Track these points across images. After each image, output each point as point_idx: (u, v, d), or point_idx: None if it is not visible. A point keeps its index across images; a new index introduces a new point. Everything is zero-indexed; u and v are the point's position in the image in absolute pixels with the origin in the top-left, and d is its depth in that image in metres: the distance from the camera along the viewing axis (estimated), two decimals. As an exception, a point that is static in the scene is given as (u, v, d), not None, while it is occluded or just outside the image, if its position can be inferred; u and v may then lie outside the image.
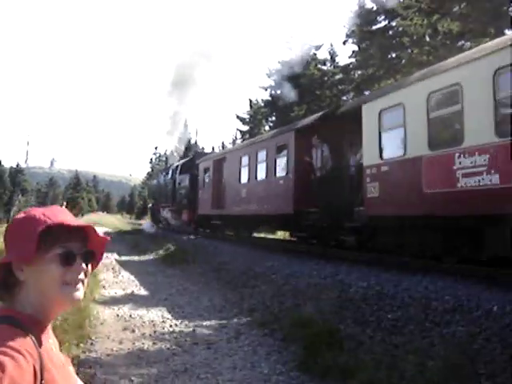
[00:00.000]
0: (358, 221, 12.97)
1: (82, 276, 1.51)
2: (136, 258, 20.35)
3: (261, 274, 12.42)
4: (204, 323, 9.11)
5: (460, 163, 9.42)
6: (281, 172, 17.34)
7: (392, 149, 11.83)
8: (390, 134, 11.94)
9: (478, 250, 9.35)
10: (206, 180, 26.19)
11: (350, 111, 14.16)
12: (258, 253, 16.14)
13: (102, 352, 7.23)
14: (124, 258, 19.89)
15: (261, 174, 18.97)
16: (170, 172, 34.55)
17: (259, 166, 19.15)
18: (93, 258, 1.58)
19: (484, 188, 8.82)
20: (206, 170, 26.48)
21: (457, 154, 9.52)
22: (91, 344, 7.58)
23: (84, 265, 1.53)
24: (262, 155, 18.96)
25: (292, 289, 10.34)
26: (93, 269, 1.60)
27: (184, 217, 29.98)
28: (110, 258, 18.94)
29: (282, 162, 17.35)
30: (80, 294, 1.50)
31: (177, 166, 33.63)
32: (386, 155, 11.97)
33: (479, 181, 8.93)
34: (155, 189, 41.47)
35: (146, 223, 43.96)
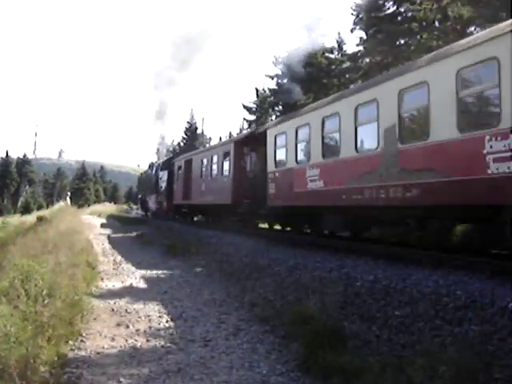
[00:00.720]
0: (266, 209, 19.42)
1: None
2: (137, 247, 20.04)
3: (264, 266, 12.01)
4: (203, 318, 8.70)
5: (309, 174, 15.65)
6: (225, 172, 23.69)
7: (280, 161, 18.18)
8: (280, 151, 18.16)
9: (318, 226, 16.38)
10: (179, 176, 32.60)
11: (262, 132, 20.18)
12: (262, 244, 15.73)
13: (92, 350, 6.83)
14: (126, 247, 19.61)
15: (213, 173, 25.75)
16: (154, 168, 41.10)
17: (213, 167, 25.79)
18: None
19: (317, 189, 15.14)
20: (179, 168, 32.90)
21: (307, 168, 15.82)
22: (81, 341, 7.18)
23: None
24: (215, 159, 25.53)
25: (295, 282, 9.91)
26: None
27: (164, 206, 36.40)
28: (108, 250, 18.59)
29: (226, 165, 23.71)
30: None
31: (159, 164, 40.47)
32: (277, 165, 18.34)
33: (316, 185, 15.20)
34: (143, 182, 48.23)
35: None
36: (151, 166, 44.72)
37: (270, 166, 18.61)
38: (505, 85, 8.69)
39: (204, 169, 27.45)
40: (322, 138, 15.08)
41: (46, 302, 7.40)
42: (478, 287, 7.19)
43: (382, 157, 12.03)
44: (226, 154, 23.54)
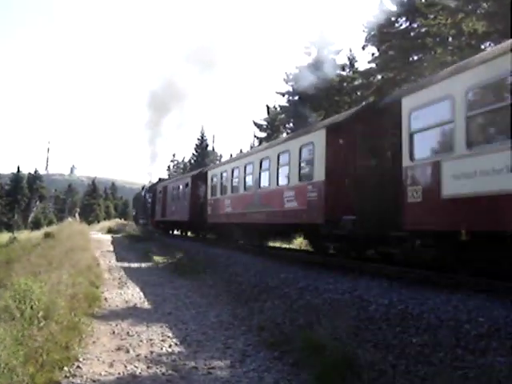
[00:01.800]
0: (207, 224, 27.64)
1: None
2: (144, 265, 19.64)
3: (273, 288, 11.56)
4: (208, 343, 8.27)
5: (226, 202, 23.70)
6: (186, 197, 31.41)
7: (213, 192, 26.33)
8: (214, 186, 26.35)
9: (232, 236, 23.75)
10: (159, 198, 40.52)
11: (201, 172, 29.66)
12: (272, 264, 15.28)
13: (87, 377, 6.41)
14: (132, 264, 19.23)
15: (180, 198, 33.44)
16: (144, 191, 50.57)
17: (180, 193, 33.56)
18: None
19: (230, 212, 22.75)
20: (160, 192, 40.69)
21: (225, 199, 23.81)
22: (77, 367, 6.75)
23: None
24: (180, 187, 33.54)
25: (306, 305, 9.46)
26: None
27: (151, 221, 44.53)
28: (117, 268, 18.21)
29: (186, 192, 31.54)
30: None
31: (147, 188, 49.84)
32: (212, 195, 26.51)
33: (229, 210, 23.00)
34: (136, 202, 58.92)
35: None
36: (143, 188, 53.43)
37: (208, 195, 26.95)
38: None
39: (174, 194, 35.47)
40: (232, 181, 23.42)
41: (41, 324, 7.02)
42: (501, 313, 6.71)
43: (254, 195, 19.97)
44: (187, 185, 31.73)
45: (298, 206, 15.81)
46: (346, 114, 16.35)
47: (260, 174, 19.43)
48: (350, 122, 14.53)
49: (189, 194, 30.66)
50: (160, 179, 49.47)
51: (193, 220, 29.64)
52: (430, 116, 10.57)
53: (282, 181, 17.37)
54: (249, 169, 20.82)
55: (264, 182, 18.99)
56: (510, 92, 8.51)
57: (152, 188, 46.10)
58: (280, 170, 17.68)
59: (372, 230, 12.35)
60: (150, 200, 45.48)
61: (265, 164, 19.06)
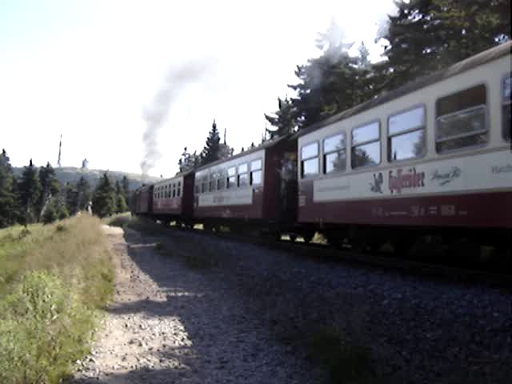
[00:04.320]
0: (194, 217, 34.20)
1: None
2: (156, 258, 19.67)
3: (285, 281, 11.53)
4: (220, 337, 8.25)
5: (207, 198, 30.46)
6: (177, 194, 37.91)
7: (198, 189, 33.21)
8: (198, 184, 33.47)
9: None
10: (144, 196, 55.53)
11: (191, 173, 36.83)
12: (284, 257, 15.27)
13: (100, 370, 6.39)
14: (144, 258, 19.27)
15: (173, 194, 39.78)
16: (138, 191, 64.69)
17: (171, 191, 40.65)
18: None
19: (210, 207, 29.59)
20: (148, 191, 53.17)
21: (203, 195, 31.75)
22: (90, 360, 6.74)
23: None
24: (172, 186, 40.62)
25: (318, 298, 9.42)
26: None
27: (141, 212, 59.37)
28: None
29: (178, 190, 37.64)
30: None
31: (140, 189, 64.22)
32: (197, 191, 33.27)
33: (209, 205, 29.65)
34: (132, 199, 77.10)
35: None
36: (137, 189, 69.85)
37: (194, 192, 33.53)
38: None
39: (163, 192, 44.64)
40: (209, 182, 30.00)
41: (54, 317, 7.01)
42: (517, 308, 6.64)
43: (222, 195, 26.87)
44: (179, 184, 37.77)
45: (249, 203, 22.11)
46: (276, 140, 25.02)
47: (228, 178, 26.08)
48: (278, 147, 20.51)
49: (180, 193, 36.78)
50: (138, 187, 67.65)
51: (184, 212, 35.31)
52: (310, 151, 16.59)
53: (242, 184, 23.64)
54: (220, 173, 27.76)
55: (229, 184, 25.96)
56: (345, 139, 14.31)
57: (145, 189, 57.37)
58: (238, 178, 24.25)
59: (288, 222, 18.26)
60: (143, 197, 57.82)
61: (230, 171, 25.84)
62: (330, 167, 15.25)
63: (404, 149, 11.74)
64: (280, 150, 19.81)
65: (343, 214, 14.03)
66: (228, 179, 25.98)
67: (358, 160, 13.61)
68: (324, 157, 15.41)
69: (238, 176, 24.12)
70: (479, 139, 9.23)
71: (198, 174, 33.61)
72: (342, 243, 15.73)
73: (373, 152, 12.78)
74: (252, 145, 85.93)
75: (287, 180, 18.59)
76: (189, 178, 35.53)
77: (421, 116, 10.79)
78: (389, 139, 12.01)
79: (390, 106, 12.14)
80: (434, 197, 10.14)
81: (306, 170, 16.81)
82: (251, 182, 22.08)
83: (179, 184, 37.48)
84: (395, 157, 11.92)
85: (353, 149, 13.70)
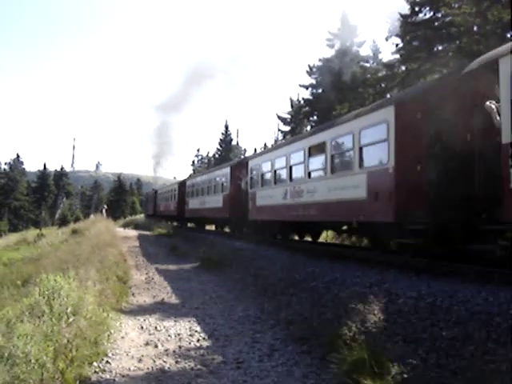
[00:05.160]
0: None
1: None
2: (170, 259, 19.71)
3: (300, 281, 11.51)
4: (236, 337, 8.28)
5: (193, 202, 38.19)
6: (174, 199, 44.58)
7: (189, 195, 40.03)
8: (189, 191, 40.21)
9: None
10: (151, 200, 62.14)
11: (183, 181, 44.86)
12: (297, 257, 15.21)
13: (117, 372, 6.45)
14: (158, 259, 19.32)
15: (170, 199, 47.05)
16: (148, 194, 69.85)
17: (169, 196, 47.47)
18: None
19: (197, 209, 36.69)
20: (154, 195, 59.43)
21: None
22: (106, 362, 6.81)
23: None
24: (170, 191, 47.56)
25: (333, 298, 9.40)
26: None
27: (150, 213, 61.85)
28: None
29: (174, 195, 44.34)
30: None
31: (149, 192, 70.38)
32: (188, 195, 40.11)
33: (195, 207, 37.25)
34: (144, 201, 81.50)
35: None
36: (146, 193, 79.20)
37: (186, 197, 39.79)
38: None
39: (166, 196, 50.31)
40: (195, 188, 37.40)
41: (70, 320, 7.06)
42: (533, 306, 6.59)
43: (204, 199, 33.58)
44: (174, 190, 45.05)
45: (220, 206, 28.91)
46: (239, 160, 34.18)
47: (208, 186, 32.74)
48: (240, 165, 26.67)
49: (176, 198, 43.57)
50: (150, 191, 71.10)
51: (179, 213, 41.81)
52: (255, 171, 22.84)
53: (216, 192, 30.57)
54: (204, 182, 34.40)
55: (208, 192, 32.55)
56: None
57: (152, 192, 64.01)
58: (214, 187, 31.38)
59: (247, 221, 23.64)
60: (149, 200, 64.61)
61: (208, 181, 33.05)
62: (264, 183, 21.56)
63: (296, 174, 17.90)
64: (241, 168, 25.90)
65: (271, 214, 20.32)
66: (208, 187, 32.82)
67: (278, 179, 19.94)
68: (262, 175, 21.91)
69: (214, 185, 31.15)
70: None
71: (188, 183, 40.78)
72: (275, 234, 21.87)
73: (284, 175, 19.18)
74: (265, 145, 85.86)
75: (245, 190, 24.23)
76: (182, 186, 42.24)
77: (301, 155, 17.28)
78: (290, 167, 18.41)
79: (290, 147, 18.83)
80: (308, 203, 16.34)
81: (253, 184, 23.05)
82: (222, 190, 28.99)
83: (175, 190, 44.76)
84: (292, 179, 18.25)
85: (275, 171, 20.18)
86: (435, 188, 11.09)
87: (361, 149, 13.36)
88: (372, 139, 12.87)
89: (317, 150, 16.16)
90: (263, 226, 22.27)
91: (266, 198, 20.85)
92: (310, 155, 16.62)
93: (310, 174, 16.55)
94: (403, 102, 12.29)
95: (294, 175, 18.16)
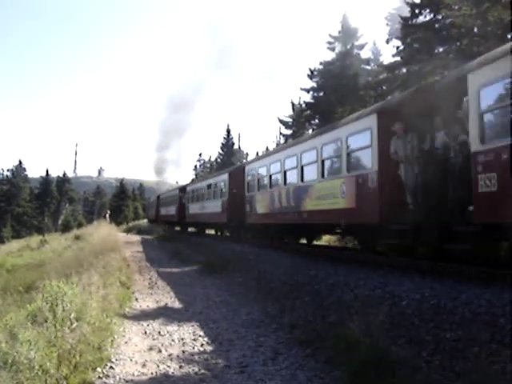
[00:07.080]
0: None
1: None
2: (173, 264, 19.71)
3: (303, 284, 11.50)
4: (239, 341, 8.26)
5: (193, 207, 39.89)
6: (174, 204, 45.71)
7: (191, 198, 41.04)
8: (189, 199, 41.15)
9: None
10: (153, 205, 64.05)
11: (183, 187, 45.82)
12: (301, 260, 15.20)
13: (120, 377, 6.44)
14: (161, 264, 19.31)
15: (171, 204, 47.68)
16: (151, 200, 72.61)
17: (170, 201, 48.56)
18: None
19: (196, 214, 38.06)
20: (155, 201, 61.59)
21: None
22: (110, 368, 6.80)
23: None
24: (171, 197, 49.13)
25: (337, 301, 9.39)
26: None
27: (152, 218, 63.33)
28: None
29: (175, 201, 45.42)
30: None
31: (152, 198, 72.91)
32: (191, 201, 39.81)
33: (195, 212, 38.39)
34: (147, 207, 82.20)
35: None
36: (149, 198, 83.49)
37: (186, 202, 41.08)
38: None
39: (167, 200, 51.38)
40: (192, 195, 38.99)
41: (73, 325, 7.06)
42: (537, 307, 6.57)
43: (202, 205, 34.82)
44: (175, 195, 46.19)
45: (219, 211, 29.70)
46: (236, 167, 35.82)
47: (208, 192, 33.47)
48: (236, 171, 28.04)
49: (176, 203, 44.81)
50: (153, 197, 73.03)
51: (180, 218, 42.76)
52: (251, 176, 23.84)
53: (215, 197, 31.51)
54: (202, 189, 35.69)
55: (208, 197, 33.38)
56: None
57: (154, 198, 66.56)
58: (213, 192, 32.13)
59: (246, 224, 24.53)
60: (152, 205, 66.17)
61: (207, 187, 33.86)
62: (261, 187, 22.29)
63: (291, 178, 18.61)
64: (239, 174, 26.62)
65: (268, 218, 20.87)
66: (208, 193, 33.62)
67: (273, 183, 20.59)
68: (258, 180, 22.66)
69: (214, 191, 32.01)
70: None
71: (188, 188, 41.88)
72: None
73: (279, 179, 19.77)
74: (267, 149, 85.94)
75: (243, 194, 24.98)
76: (183, 191, 43.54)
77: (294, 161, 18.01)
78: (284, 172, 19.10)
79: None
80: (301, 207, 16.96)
81: (249, 188, 24.02)
82: (221, 196, 29.99)
83: (175, 196, 46.10)
84: (286, 183, 18.96)
85: (270, 176, 20.91)
86: (413, 190, 11.86)
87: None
88: (358, 145, 13.58)
89: (309, 155, 16.73)
90: (261, 229, 22.85)
91: (262, 201, 21.53)
92: (302, 160, 17.30)
93: (303, 178, 17.17)
94: (384, 111, 12.94)
95: (288, 180, 18.76)
